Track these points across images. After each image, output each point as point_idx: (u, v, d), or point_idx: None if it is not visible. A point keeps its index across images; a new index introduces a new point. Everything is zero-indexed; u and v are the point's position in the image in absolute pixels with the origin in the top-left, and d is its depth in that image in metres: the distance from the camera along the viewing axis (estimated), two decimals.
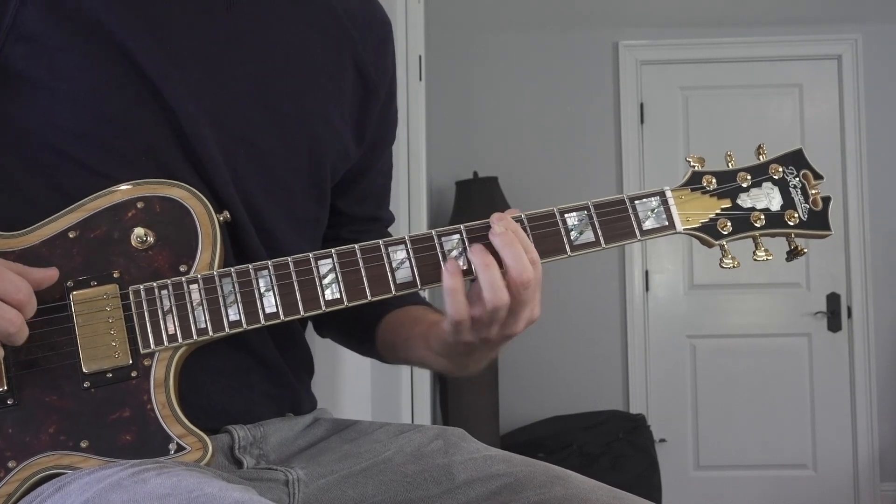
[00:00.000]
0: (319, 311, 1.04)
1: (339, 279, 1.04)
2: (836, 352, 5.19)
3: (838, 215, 5.02)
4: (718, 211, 1.12)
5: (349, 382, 2.66)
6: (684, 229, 1.11)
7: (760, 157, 1.16)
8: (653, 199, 1.10)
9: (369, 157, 1.32)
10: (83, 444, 0.98)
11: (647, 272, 5.23)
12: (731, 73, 5.27)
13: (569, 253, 1.07)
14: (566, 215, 1.08)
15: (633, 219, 1.09)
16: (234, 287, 1.02)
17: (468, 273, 1.03)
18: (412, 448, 1.14)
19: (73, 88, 1.05)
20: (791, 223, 1.13)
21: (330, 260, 1.04)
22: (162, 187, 1.04)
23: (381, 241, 1.06)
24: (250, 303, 1.02)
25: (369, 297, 1.04)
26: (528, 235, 1.06)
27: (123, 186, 1.04)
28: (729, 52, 5.26)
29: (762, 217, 1.12)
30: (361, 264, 1.04)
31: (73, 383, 0.99)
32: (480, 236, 1.05)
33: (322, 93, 1.21)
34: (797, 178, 1.15)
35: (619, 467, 4.62)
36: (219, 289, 1.02)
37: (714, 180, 1.13)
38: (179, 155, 1.08)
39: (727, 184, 1.13)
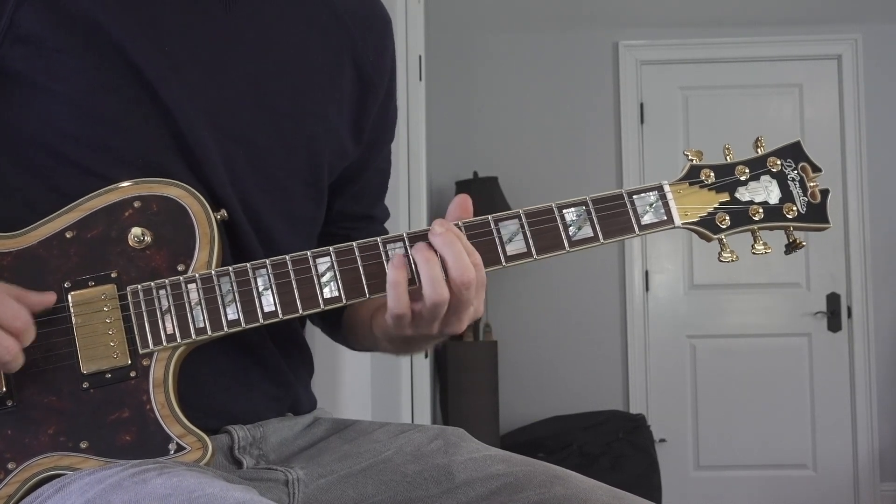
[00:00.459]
0: (318, 310, 1.03)
1: (338, 277, 1.03)
2: (836, 352, 5.19)
3: (838, 215, 5.02)
4: (717, 205, 1.11)
5: (349, 382, 2.66)
6: (683, 223, 1.10)
7: (758, 150, 1.15)
8: (651, 193, 1.10)
9: (367, 156, 1.32)
10: (83, 445, 0.98)
11: (647, 272, 5.22)
12: (731, 73, 5.27)
13: (567, 248, 1.07)
14: (564, 211, 1.07)
15: (631, 213, 1.09)
16: (232, 286, 1.02)
17: (412, 282, 1.03)
18: (412, 448, 1.14)
19: (70, 90, 1.05)
20: (790, 216, 1.12)
21: (328, 258, 1.04)
22: (159, 186, 1.04)
23: (378, 239, 1.05)
24: (248, 302, 1.02)
25: (367, 295, 1.04)
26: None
27: (120, 186, 1.03)
28: (729, 52, 5.26)
29: (761, 210, 1.12)
30: (360, 262, 1.04)
31: (72, 384, 0.99)
32: (472, 234, 1.05)
33: (320, 92, 1.21)
34: (795, 171, 1.14)
35: (619, 467, 4.63)
36: (217, 288, 1.02)
37: (712, 174, 1.12)
38: (177, 156, 1.08)
39: (725, 177, 1.13)
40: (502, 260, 1.06)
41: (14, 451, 0.97)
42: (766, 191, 1.12)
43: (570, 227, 1.07)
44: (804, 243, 1.13)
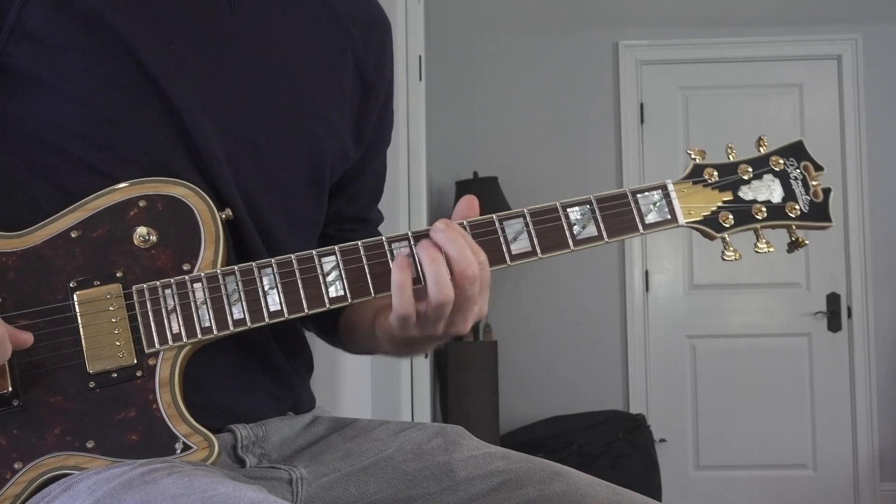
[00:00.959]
0: (323, 309, 1.03)
1: (343, 276, 1.03)
2: (836, 352, 5.19)
3: (838, 215, 5.02)
4: (720, 203, 1.12)
5: (349, 381, 2.66)
6: (686, 222, 1.11)
7: (761, 149, 1.15)
8: (655, 192, 1.10)
9: (365, 158, 1.32)
10: (89, 445, 0.97)
11: (647, 272, 5.23)
12: (731, 73, 5.27)
13: (572, 247, 1.07)
14: (569, 210, 1.08)
15: (635, 212, 1.09)
16: (237, 285, 1.02)
17: (417, 281, 1.03)
18: (412, 446, 1.15)
19: (75, 87, 1.05)
20: (792, 215, 1.13)
21: (333, 257, 1.04)
22: (164, 186, 1.03)
23: (384, 237, 1.06)
24: (254, 301, 1.02)
25: (373, 294, 1.04)
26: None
27: (125, 185, 1.03)
28: (729, 52, 5.26)
29: (763, 209, 1.12)
30: (365, 261, 1.04)
31: (78, 384, 0.98)
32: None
33: (322, 93, 1.21)
34: (798, 170, 1.14)
35: (619, 467, 4.63)
36: (222, 287, 1.02)
37: (715, 173, 1.13)
38: (182, 154, 1.08)
39: (728, 176, 1.13)
40: (507, 259, 1.06)
41: (20, 451, 0.96)
42: (768, 190, 1.13)
43: (575, 226, 1.07)
44: (806, 242, 1.14)
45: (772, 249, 1.13)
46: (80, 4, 1.05)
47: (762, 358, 5.16)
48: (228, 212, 1.07)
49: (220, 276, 1.02)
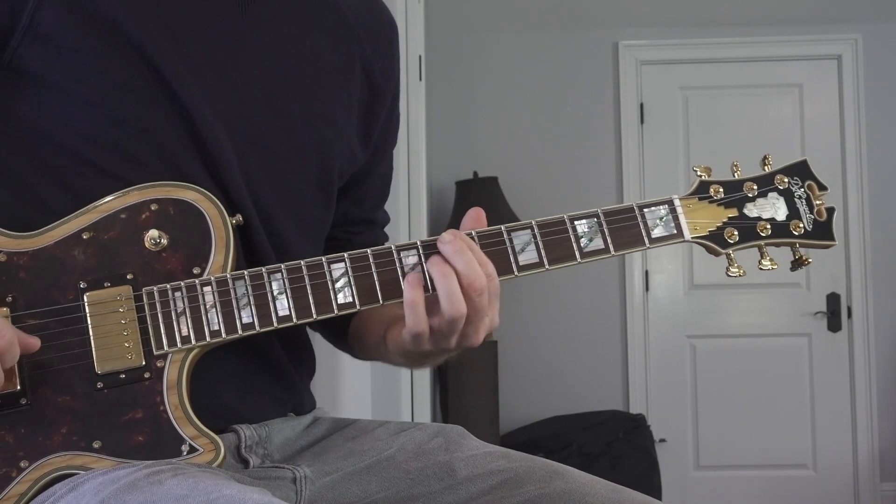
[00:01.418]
0: (332, 315, 1.04)
1: (352, 283, 1.04)
2: (836, 352, 5.19)
3: (838, 215, 4.99)
4: (725, 220, 1.13)
5: (349, 382, 2.66)
6: (692, 238, 1.12)
7: (766, 167, 1.16)
8: (661, 207, 1.11)
9: (372, 160, 1.32)
10: (95, 445, 0.98)
11: (647, 272, 5.23)
12: (731, 73, 5.27)
13: (579, 259, 1.08)
14: (576, 222, 1.09)
15: (641, 226, 1.10)
16: (247, 290, 1.03)
17: (427, 289, 1.04)
18: (414, 445, 1.15)
19: (88, 90, 1.05)
20: (796, 233, 1.15)
21: (343, 264, 1.04)
22: (175, 190, 1.04)
23: (393, 246, 1.06)
24: (263, 305, 1.03)
25: (381, 302, 1.04)
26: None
27: (137, 188, 1.04)
28: (729, 52, 5.26)
29: (768, 227, 1.14)
30: (374, 269, 1.05)
31: (86, 384, 0.99)
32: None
33: (331, 96, 1.22)
34: (802, 189, 1.16)
35: (619, 467, 4.63)
36: (232, 291, 1.02)
37: (721, 190, 1.14)
38: (194, 157, 1.08)
39: (734, 193, 1.14)
40: (514, 269, 1.07)
41: (27, 450, 0.97)
42: (773, 207, 1.15)
43: (582, 239, 1.09)
44: (810, 260, 1.16)
45: (776, 267, 1.15)
46: (93, 7, 1.05)
47: (762, 358, 5.16)
48: (239, 217, 1.07)
49: (229, 280, 1.03)
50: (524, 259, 1.07)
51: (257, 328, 1.03)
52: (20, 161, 1.07)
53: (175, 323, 1.01)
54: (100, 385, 0.99)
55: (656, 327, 5.23)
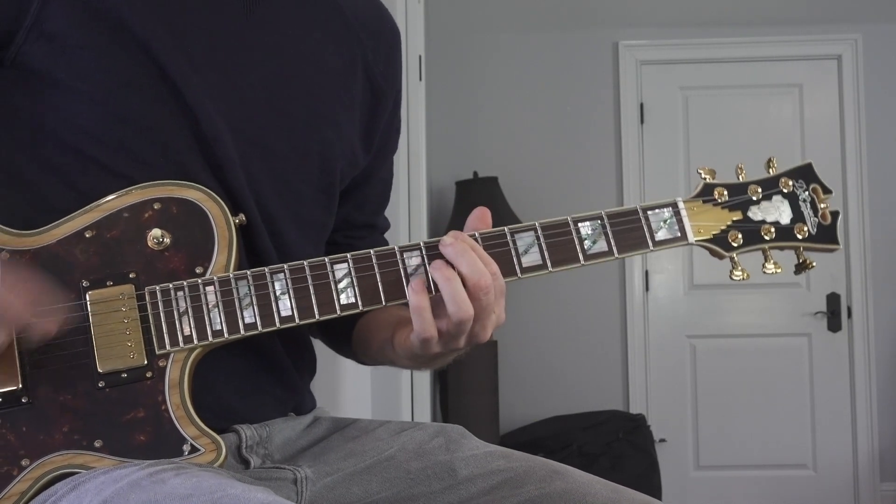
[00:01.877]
0: (334, 315, 1.04)
1: (355, 284, 1.04)
2: (836, 352, 5.19)
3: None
4: (730, 223, 1.13)
5: (350, 382, 2.66)
6: (696, 241, 1.12)
7: (770, 170, 1.16)
8: (665, 209, 1.11)
9: (373, 165, 1.33)
10: (97, 444, 0.98)
11: (647, 272, 5.23)
12: (731, 73, 5.27)
13: (582, 262, 1.08)
14: (580, 224, 1.09)
15: (645, 229, 1.10)
16: (249, 289, 1.03)
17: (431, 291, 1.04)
18: (414, 445, 1.16)
19: (92, 88, 1.05)
20: (800, 236, 1.15)
21: (345, 265, 1.05)
22: (179, 189, 1.04)
23: (396, 247, 1.06)
24: (266, 305, 1.03)
25: (384, 303, 1.05)
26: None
27: (140, 187, 1.04)
28: (729, 52, 5.26)
29: (772, 230, 1.14)
30: (377, 269, 1.05)
31: (87, 383, 0.99)
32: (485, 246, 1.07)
33: (334, 99, 1.22)
34: (807, 192, 1.16)
35: (619, 467, 4.63)
36: (234, 291, 1.02)
37: (726, 192, 1.14)
38: (198, 156, 1.08)
39: (738, 196, 1.14)
40: (518, 271, 1.07)
41: (28, 448, 0.97)
42: (777, 211, 1.14)
43: (586, 241, 1.09)
44: (814, 264, 1.16)
45: (780, 270, 1.15)
46: (98, 5, 1.05)
47: (762, 358, 5.16)
48: (242, 217, 1.07)
49: (232, 280, 1.03)
50: (527, 261, 1.07)
51: (260, 328, 1.03)
52: (24, 159, 1.07)
53: (177, 322, 1.01)
54: (101, 384, 0.99)
55: (656, 327, 5.23)
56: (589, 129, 5.27)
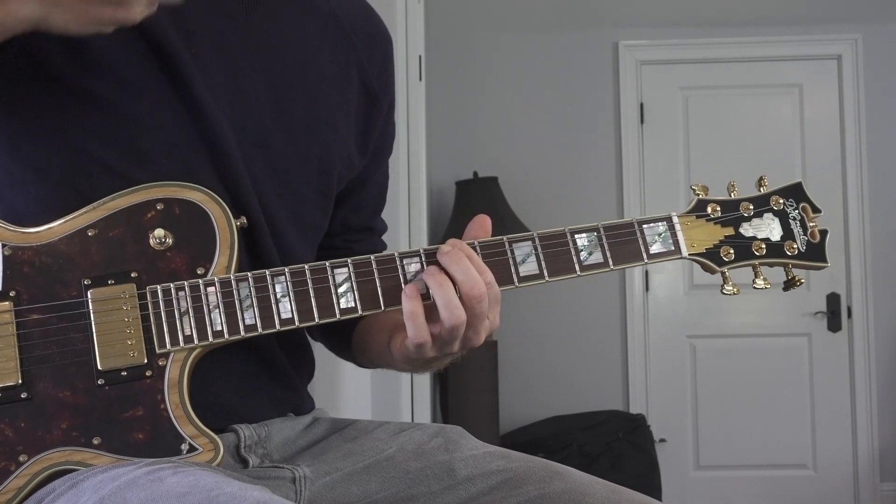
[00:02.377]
0: (334, 319, 1.05)
1: (355, 288, 1.06)
2: (836, 352, 5.19)
3: (838, 215, 5.02)
4: (722, 238, 1.17)
5: (349, 383, 2.67)
6: (689, 254, 1.16)
7: (762, 188, 1.20)
8: (660, 223, 1.15)
9: (368, 168, 1.34)
10: (95, 441, 0.98)
11: (647, 272, 5.23)
12: (731, 73, 5.27)
13: (578, 272, 1.11)
14: (576, 236, 1.12)
15: (640, 242, 1.14)
16: (250, 291, 1.04)
17: (427, 297, 1.05)
18: (413, 446, 1.16)
19: (97, 87, 1.05)
20: (790, 253, 1.18)
21: (346, 269, 1.06)
22: (181, 190, 1.05)
23: (396, 253, 1.08)
24: (266, 307, 1.04)
25: (383, 308, 1.06)
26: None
27: (143, 187, 1.04)
28: (729, 52, 5.26)
29: (763, 246, 1.18)
30: (377, 275, 1.06)
31: (87, 380, 0.99)
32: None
33: (332, 102, 1.23)
34: (796, 211, 1.20)
35: (619, 467, 4.63)
36: (235, 292, 1.03)
37: (718, 209, 1.18)
38: (203, 156, 1.09)
39: (731, 213, 1.18)
40: (515, 280, 1.10)
41: (26, 444, 0.97)
42: (768, 228, 1.18)
43: (582, 252, 1.12)
44: (802, 281, 1.20)
45: (769, 286, 1.18)
46: None
47: (762, 358, 5.16)
48: (243, 219, 1.08)
49: (233, 282, 1.04)
50: (525, 270, 1.10)
51: (260, 330, 1.04)
52: (27, 158, 1.07)
53: (178, 322, 1.02)
54: (101, 381, 0.99)
55: (656, 327, 5.24)
56: (589, 129, 5.27)
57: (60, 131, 1.06)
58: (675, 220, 1.15)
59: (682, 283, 5.22)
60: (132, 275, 1.02)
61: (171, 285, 1.02)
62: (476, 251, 1.07)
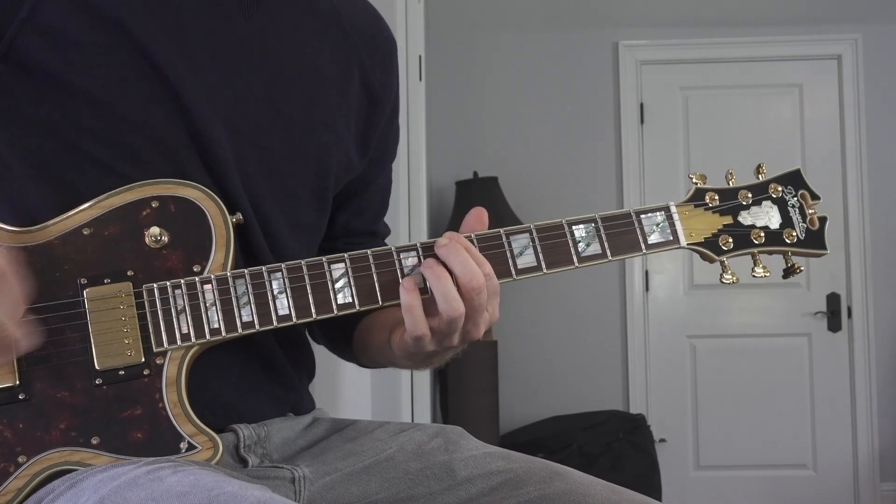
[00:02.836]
0: (331, 315, 1.05)
1: (352, 283, 1.05)
2: (836, 352, 5.19)
3: (838, 215, 5.02)
4: (720, 227, 1.16)
5: (349, 382, 2.66)
6: (688, 244, 1.14)
7: (760, 176, 1.19)
8: (658, 213, 1.14)
9: (371, 172, 1.33)
10: (94, 441, 0.98)
11: (647, 272, 5.23)
12: (731, 73, 5.28)
13: (576, 264, 1.10)
14: (574, 227, 1.11)
15: (638, 232, 1.13)
16: (247, 288, 1.03)
17: (425, 290, 1.05)
18: (413, 446, 1.16)
19: (88, 85, 1.05)
20: (789, 241, 1.17)
21: (343, 264, 1.06)
22: (176, 187, 1.04)
23: (393, 248, 1.07)
24: (263, 304, 1.03)
25: (380, 302, 1.06)
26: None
27: (137, 185, 1.04)
28: (729, 52, 5.26)
29: (762, 234, 1.16)
30: (374, 269, 1.06)
31: (85, 380, 0.99)
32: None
33: (331, 103, 1.23)
34: (795, 198, 1.18)
35: (619, 467, 4.63)
36: (232, 290, 1.03)
37: (717, 197, 1.16)
38: (194, 155, 1.08)
39: (729, 201, 1.17)
40: (513, 273, 1.09)
41: (25, 445, 0.97)
42: (767, 216, 1.17)
43: (580, 244, 1.11)
44: (801, 269, 1.18)
45: (768, 274, 1.16)
46: (96, 2, 1.05)
47: (762, 358, 5.17)
48: (239, 216, 1.08)
49: (230, 279, 1.03)
50: (522, 262, 1.09)
51: (257, 327, 1.03)
52: (20, 156, 1.06)
53: (175, 320, 1.01)
54: (99, 381, 0.99)
55: (656, 327, 5.24)
56: (589, 129, 5.27)
57: (53, 127, 1.05)
58: (673, 209, 1.14)
59: (682, 283, 5.22)
60: (128, 273, 1.01)
61: (168, 283, 1.02)
62: (473, 244, 1.07)
